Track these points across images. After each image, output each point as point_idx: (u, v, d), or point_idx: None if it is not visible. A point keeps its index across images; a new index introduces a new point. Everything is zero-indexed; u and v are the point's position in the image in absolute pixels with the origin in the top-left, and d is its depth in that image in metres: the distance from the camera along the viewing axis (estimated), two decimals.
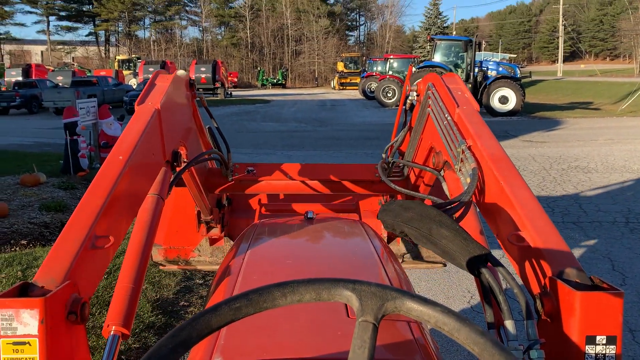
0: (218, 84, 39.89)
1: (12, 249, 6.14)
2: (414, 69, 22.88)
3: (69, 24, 79.98)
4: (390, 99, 29.67)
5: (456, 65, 23.71)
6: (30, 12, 75.61)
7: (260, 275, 1.74)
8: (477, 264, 1.27)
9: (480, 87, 22.88)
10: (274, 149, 14.56)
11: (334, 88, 56.87)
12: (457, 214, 1.60)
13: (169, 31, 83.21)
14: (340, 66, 57.15)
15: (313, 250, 2.17)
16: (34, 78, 34.39)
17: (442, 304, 0.77)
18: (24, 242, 6.38)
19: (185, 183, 2.48)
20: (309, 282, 0.80)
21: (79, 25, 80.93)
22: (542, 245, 1.32)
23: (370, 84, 36.27)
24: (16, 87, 29.94)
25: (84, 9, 79.73)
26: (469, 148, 1.76)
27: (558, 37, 71.09)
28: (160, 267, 3.35)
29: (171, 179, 2.02)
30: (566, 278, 1.21)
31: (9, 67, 44.39)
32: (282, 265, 1.88)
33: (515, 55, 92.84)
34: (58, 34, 79.41)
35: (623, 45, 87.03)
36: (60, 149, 10.97)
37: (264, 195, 3.36)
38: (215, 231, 3.11)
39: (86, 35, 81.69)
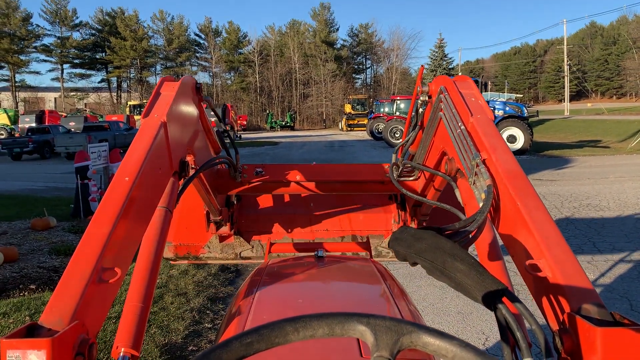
0: (227, 127, 40.23)
1: (21, 294, 6.10)
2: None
3: (83, 71, 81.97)
4: (398, 139, 29.82)
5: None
6: (45, 61, 77.68)
7: (271, 314, 1.70)
8: (494, 299, 1.23)
9: None
10: None
11: (341, 129, 57.36)
12: (472, 233, 1.55)
13: (180, 76, 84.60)
14: (347, 108, 57.76)
15: (324, 290, 2.13)
16: (47, 124, 35.01)
17: (460, 338, 0.75)
18: (32, 286, 6.34)
19: (194, 186, 2.45)
20: (321, 316, 0.77)
21: (92, 72, 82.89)
22: (561, 276, 1.27)
23: (378, 125, 36.55)
24: (29, 133, 30.51)
25: (97, 56, 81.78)
26: (484, 162, 1.70)
27: (563, 77, 71.70)
28: (171, 262, 3.35)
29: (179, 190, 1.98)
30: (586, 314, 1.17)
31: (23, 114, 45.41)
32: (293, 304, 1.84)
33: (521, 95, 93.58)
34: (71, 81, 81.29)
35: (629, 84, 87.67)
36: (71, 193, 11.06)
37: (273, 217, 3.32)
38: (225, 229, 3.11)
39: (99, 82, 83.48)
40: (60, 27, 76.31)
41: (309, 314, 0.78)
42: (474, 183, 1.72)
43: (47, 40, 76.30)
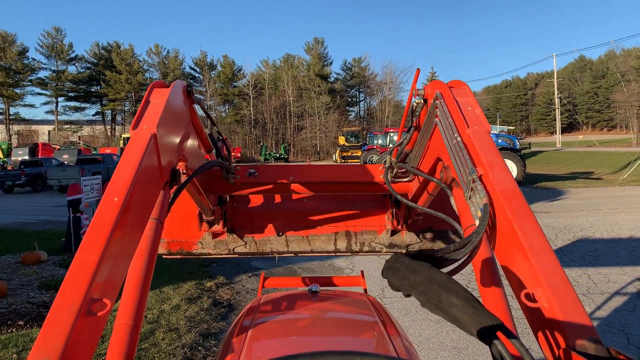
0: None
1: (9, 330, 5.98)
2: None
3: (77, 104, 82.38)
4: None
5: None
6: (40, 94, 78.05)
7: (264, 352, 1.67)
8: (489, 334, 1.21)
9: None
10: None
11: (335, 161, 57.53)
12: (467, 254, 1.53)
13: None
14: (341, 140, 58.11)
15: (318, 327, 2.09)
16: (40, 157, 34.96)
17: None
18: (21, 322, 6.22)
19: (186, 188, 2.42)
20: (314, 355, 0.75)
21: (87, 105, 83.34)
22: (559, 309, 1.25)
23: (372, 157, 36.75)
24: (22, 166, 30.43)
25: (92, 89, 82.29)
26: (480, 178, 1.67)
27: (555, 109, 72.64)
28: (164, 257, 3.32)
29: (170, 199, 1.93)
30: (582, 350, 1.15)
31: (16, 147, 45.31)
32: (287, 341, 1.80)
33: (513, 128, 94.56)
34: (66, 114, 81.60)
35: (619, 116, 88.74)
36: (63, 227, 10.97)
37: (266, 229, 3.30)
38: (218, 227, 3.09)
39: (93, 115, 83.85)
40: (56, 61, 76.98)
41: (301, 352, 0.76)
42: (469, 198, 1.70)
43: (42, 74, 77.02)
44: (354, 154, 53.29)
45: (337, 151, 57.77)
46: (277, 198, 3.35)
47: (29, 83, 75.19)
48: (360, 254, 3.27)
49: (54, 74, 76.66)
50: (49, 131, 76.71)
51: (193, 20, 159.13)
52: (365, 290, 3.06)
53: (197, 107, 2.44)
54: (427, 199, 2.54)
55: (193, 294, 7.46)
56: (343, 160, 54.71)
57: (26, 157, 35.85)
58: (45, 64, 76.71)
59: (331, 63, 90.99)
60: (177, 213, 3.06)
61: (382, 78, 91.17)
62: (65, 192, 12.86)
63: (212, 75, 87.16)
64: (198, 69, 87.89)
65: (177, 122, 2.13)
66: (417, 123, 2.49)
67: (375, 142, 39.43)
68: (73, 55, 78.97)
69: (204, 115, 2.79)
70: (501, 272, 1.62)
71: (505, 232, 1.52)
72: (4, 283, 7.37)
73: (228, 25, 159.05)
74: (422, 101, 2.35)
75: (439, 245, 3.25)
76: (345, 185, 2.90)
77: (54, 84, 76.53)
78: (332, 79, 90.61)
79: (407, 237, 3.12)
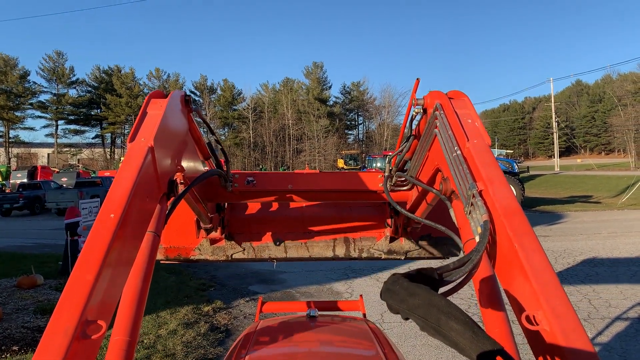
0: None
1: (3, 356, 5.89)
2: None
3: (77, 127, 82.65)
4: None
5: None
6: (40, 117, 78.37)
7: None
8: (489, 359, 1.19)
9: None
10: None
11: None
12: (467, 273, 1.50)
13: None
14: (340, 163, 58.23)
15: (317, 354, 2.06)
16: (39, 179, 34.93)
17: None
18: (15, 348, 6.13)
19: (183, 198, 2.40)
20: None
21: (87, 128, 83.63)
22: (560, 333, 1.21)
23: None
24: (20, 189, 30.39)
25: (92, 113, 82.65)
26: (480, 193, 1.64)
27: (552, 133, 72.97)
28: (161, 262, 3.27)
29: (167, 210, 1.90)
30: None
31: (15, 170, 45.31)
32: None
33: (512, 151, 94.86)
34: (65, 137, 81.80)
35: (616, 140, 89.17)
36: (60, 250, 10.89)
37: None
38: (216, 234, 3.08)
39: (93, 138, 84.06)
40: (57, 85, 77.45)
41: None
42: (469, 213, 1.68)
43: (43, 97, 77.41)
44: None
45: None
46: (275, 205, 3.32)
47: (29, 106, 75.59)
48: (358, 260, 3.27)
49: (55, 97, 77.09)
50: (48, 154, 76.84)
51: (194, 45, 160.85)
52: (365, 315, 3.02)
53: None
54: (426, 208, 2.53)
55: (190, 318, 7.38)
56: None
57: (25, 180, 35.83)
58: (46, 88, 77.35)
59: (330, 87, 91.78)
60: (175, 220, 3.04)
61: (381, 102, 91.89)
62: (63, 215, 12.81)
63: (212, 99, 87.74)
64: (198, 93, 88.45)
65: (175, 133, 2.10)
66: (416, 131, 2.48)
67: (374, 165, 39.49)
68: (74, 78, 79.64)
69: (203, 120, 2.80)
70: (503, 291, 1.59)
71: (505, 251, 1.49)
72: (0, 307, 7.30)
73: (229, 51, 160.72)
74: (422, 111, 2.33)
75: (438, 251, 3.23)
76: (345, 194, 2.89)
77: (54, 107, 76.90)
78: (331, 103, 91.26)
79: (406, 244, 3.10)
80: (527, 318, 1.30)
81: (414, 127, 2.51)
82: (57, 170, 45.63)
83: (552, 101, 70.43)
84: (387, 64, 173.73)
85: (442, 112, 2.04)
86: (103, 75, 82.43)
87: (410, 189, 2.74)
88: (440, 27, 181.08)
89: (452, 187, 1.90)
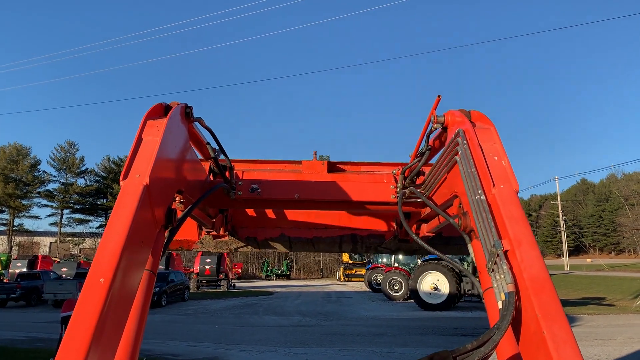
0: (222, 275, 39.92)
1: None
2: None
3: (82, 216, 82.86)
4: (397, 292, 29.17)
5: (462, 259, 23.69)
6: (46, 206, 78.86)
7: None
8: None
9: None
10: (275, 346, 13.85)
11: (339, 279, 56.63)
12: (488, 353, 1.31)
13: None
14: (345, 257, 57.54)
15: None
16: (38, 269, 34.60)
17: None
18: None
19: (186, 206, 2.27)
20: None
21: (91, 217, 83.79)
22: None
23: (376, 276, 36.07)
24: (19, 279, 29.95)
25: (98, 202, 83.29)
26: (506, 254, 1.47)
27: (560, 232, 72.52)
28: None
29: (165, 241, 1.77)
30: None
31: (16, 258, 45.09)
32: None
33: None
34: (70, 225, 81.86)
35: (626, 240, 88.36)
36: (53, 345, 10.48)
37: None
38: (219, 232, 3.03)
39: (97, 227, 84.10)
40: (66, 174, 78.73)
41: None
42: (492, 270, 1.51)
43: (51, 186, 78.29)
44: (358, 272, 52.53)
45: (341, 269, 57.08)
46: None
47: (36, 195, 76.33)
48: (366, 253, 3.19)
49: (62, 187, 78.02)
50: (50, 243, 76.58)
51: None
52: None
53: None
54: (438, 225, 2.47)
55: None
56: (347, 279, 53.85)
57: (24, 270, 35.47)
58: (55, 177, 78.46)
59: None
60: None
61: None
62: (59, 307, 12.47)
63: None
64: None
65: (175, 153, 1.95)
66: (432, 144, 2.41)
67: (380, 260, 38.91)
68: (83, 168, 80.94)
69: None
70: None
71: (531, 333, 1.32)
72: None
73: (231, 144, 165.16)
74: (442, 128, 2.23)
75: (448, 250, 3.09)
76: (354, 204, 2.77)
77: (61, 196, 77.65)
78: None
79: (415, 243, 2.94)
80: None
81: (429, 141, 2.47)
82: (57, 260, 45.26)
83: (559, 199, 70.57)
84: (391, 155, 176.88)
85: (465, 141, 1.87)
86: (112, 165, 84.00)
87: (423, 207, 2.69)
88: None
89: (472, 226, 1.76)
